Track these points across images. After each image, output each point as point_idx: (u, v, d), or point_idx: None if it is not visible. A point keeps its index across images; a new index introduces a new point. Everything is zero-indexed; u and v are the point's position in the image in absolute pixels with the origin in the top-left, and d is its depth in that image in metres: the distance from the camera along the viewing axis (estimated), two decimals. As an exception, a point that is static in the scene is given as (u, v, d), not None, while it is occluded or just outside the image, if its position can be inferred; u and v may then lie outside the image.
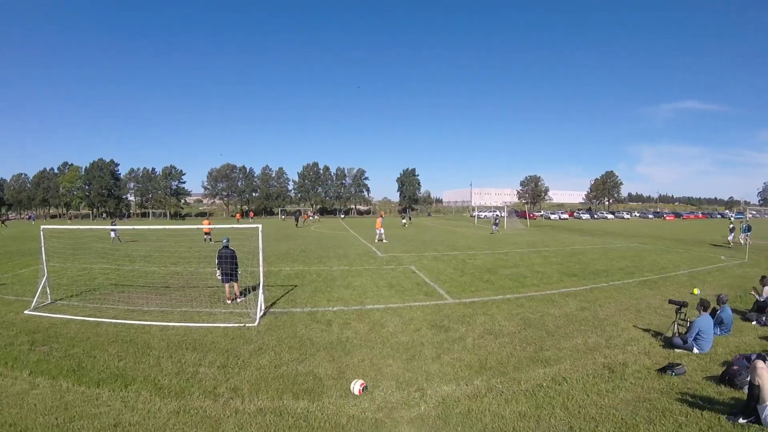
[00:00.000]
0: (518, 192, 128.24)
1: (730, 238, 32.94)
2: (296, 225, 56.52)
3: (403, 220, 62.21)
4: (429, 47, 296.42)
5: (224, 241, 14.43)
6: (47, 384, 7.84)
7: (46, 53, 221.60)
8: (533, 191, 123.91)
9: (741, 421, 6.20)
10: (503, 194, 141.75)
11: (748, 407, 6.27)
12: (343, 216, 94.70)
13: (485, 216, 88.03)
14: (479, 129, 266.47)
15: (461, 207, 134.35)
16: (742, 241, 26.04)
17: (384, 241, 32.79)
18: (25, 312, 12.98)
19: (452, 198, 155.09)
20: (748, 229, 29.85)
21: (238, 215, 72.82)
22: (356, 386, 7.18)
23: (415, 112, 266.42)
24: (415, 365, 8.42)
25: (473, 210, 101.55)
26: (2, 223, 67.09)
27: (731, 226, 34.24)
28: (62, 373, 8.37)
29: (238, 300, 13.93)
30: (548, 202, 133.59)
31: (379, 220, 36.84)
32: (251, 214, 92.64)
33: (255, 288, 13.52)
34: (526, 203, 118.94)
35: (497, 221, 42.51)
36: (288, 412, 6.56)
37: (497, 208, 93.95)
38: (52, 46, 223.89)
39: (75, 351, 9.65)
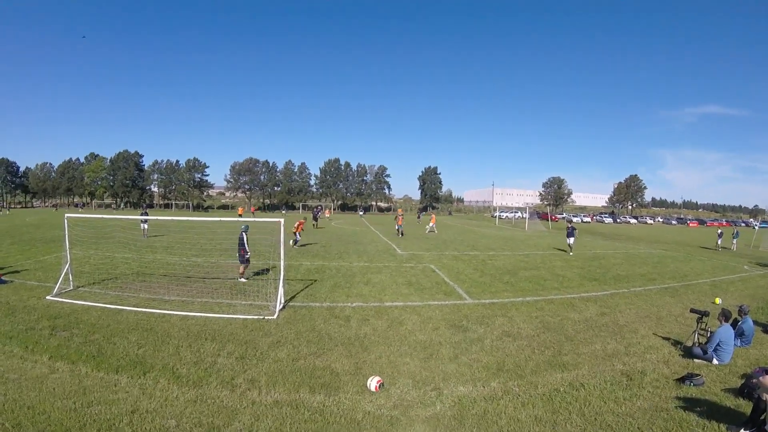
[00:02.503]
0: (540, 194, 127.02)
1: (719, 241, 37.04)
2: (314, 225, 45.23)
3: (419, 220, 60.77)
4: (456, 46, 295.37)
5: (242, 228, 16.14)
6: (66, 369, 7.98)
7: (77, 45, 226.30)
8: (556, 193, 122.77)
9: (742, 431, 6.11)
10: (525, 195, 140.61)
11: (752, 420, 6.16)
12: (362, 213, 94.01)
13: (506, 217, 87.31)
14: (503, 129, 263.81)
15: (482, 207, 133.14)
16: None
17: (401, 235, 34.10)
18: (47, 297, 13.21)
19: (474, 198, 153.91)
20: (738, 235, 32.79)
21: (240, 209, 72.46)
22: (373, 383, 7.17)
23: (439, 111, 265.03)
24: (432, 364, 8.39)
25: (494, 210, 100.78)
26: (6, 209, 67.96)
27: (719, 231, 38.83)
28: (82, 358, 8.51)
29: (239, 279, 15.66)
30: (570, 204, 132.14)
31: (400, 213, 41.83)
32: (252, 209, 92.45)
33: (275, 280, 13.57)
34: (548, 205, 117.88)
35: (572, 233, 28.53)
36: (304, 405, 6.58)
37: (519, 209, 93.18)
38: (84, 37, 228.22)
39: (95, 337, 9.81)
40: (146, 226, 30.42)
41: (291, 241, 26.19)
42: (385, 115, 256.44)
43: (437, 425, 6.22)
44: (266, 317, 11.29)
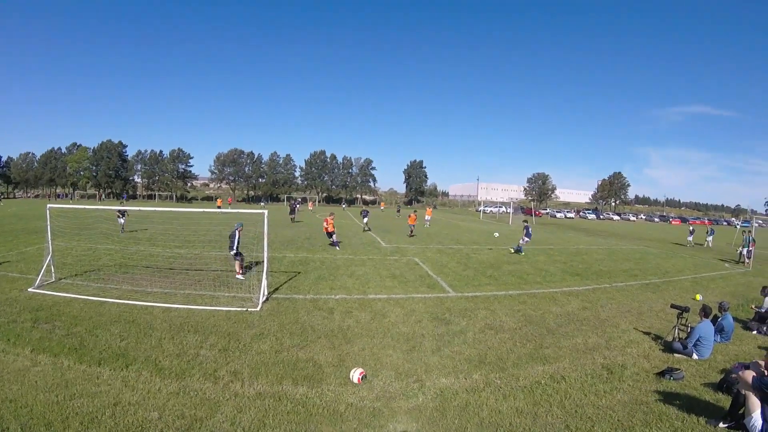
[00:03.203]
0: (525, 189, 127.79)
1: (689, 238, 38.53)
2: (291, 219, 41.74)
3: (398, 214, 60.93)
4: (441, 42, 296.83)
5: (237, 225, 15.82)
6: (49, 361, 7.94)
7: (61, 35, 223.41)
8: (540, 189, 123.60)
9: (721, 425, 6.24)
10: (510, 190, 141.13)
11: (731, 414, 6.29)
12: (345, 206, 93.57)
13: (491, 211, 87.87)
14: (488, 124, 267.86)
15: (467, 201, 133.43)
16: (745, 254, 26.02)
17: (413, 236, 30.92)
18: (29, 290, 13.07)
19: (458, 192, 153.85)
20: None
21: (218, 201, 72.09)
22: (356, 375, 7.22)
23: (426, 105, 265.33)
24: (414, 356, 8.46)
25: (479, 205, 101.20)
26: None
27: (691, 228, 40.94)
28: (64, 351, 8.47)
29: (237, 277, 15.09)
30: (555, 200, 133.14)
31: (429, 209, 43.94)
32: (229, 200, 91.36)
33: (258, 273, 13.57)
34: (533, 200, 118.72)
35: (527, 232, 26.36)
36: (287, 397, 6.62)
37: (503, 203, 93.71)
38: (68, 28, 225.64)
39: (77, 330, 9.77)
40: (123, 221, 28.04)
41: (330, 243, 23.75)
42: (371, 108, 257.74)
43: (419, 417, 6.28)
44: (249, 309, 11.31)
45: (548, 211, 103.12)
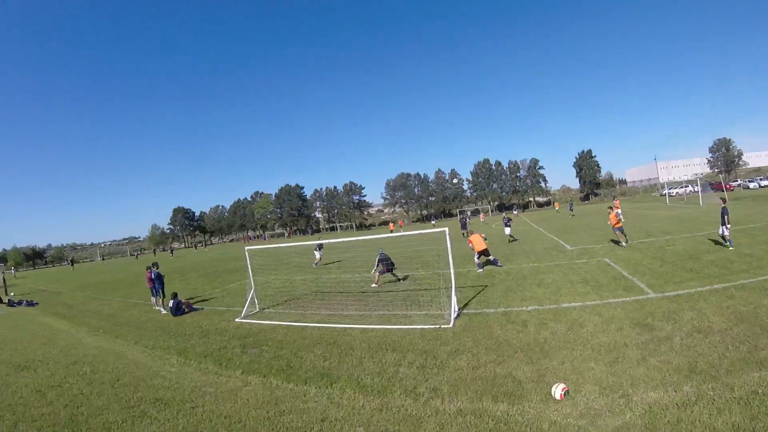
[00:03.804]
0: (708, 161, 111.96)
1: None
2: (463, 234, 38.94)
3: (572, 213, 56.96)
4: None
5: (380, 250, 19.85)
6: (258, 381, 8.91)
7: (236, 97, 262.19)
8: (725, 157, 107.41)
9: None
10: (692, 165, 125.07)
11: None
12: (516, 212, 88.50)
13: (677, 193, 79.11)
14: (659, 94, 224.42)
15: (647, 186, 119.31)
16: None
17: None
18: (236, 320, 15.01)
19: (636, 176, 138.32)
20: None
21: (391, 225, 74.11)
22: (557, 390, 6.91)
23: (590, 88, 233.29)
24: (618, 368, 7.85)
25: (662, 188, 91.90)
26: (197, 247, 77.71)
27: None
28: (272, 372, 9.46)
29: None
30: (743, 168, 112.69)
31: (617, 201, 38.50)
32: (400, 223, 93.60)
33: (447, 289, 13.66)
34: (719, 172, 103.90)
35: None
36: (488, 414, 6.54)
37: (689, 182, 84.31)
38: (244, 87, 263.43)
39: (283, 352, 10.85)
40: (320, 254, 29.22)
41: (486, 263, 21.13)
42: (530, 104, 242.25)
43: (628, 435, 5.85)
44: (442, 326, 11.51)
45: (739, 182, 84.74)
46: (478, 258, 20.34)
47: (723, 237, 18.46)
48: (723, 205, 19.12)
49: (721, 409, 6.18)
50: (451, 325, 11.59)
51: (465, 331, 11.06)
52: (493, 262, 20.51)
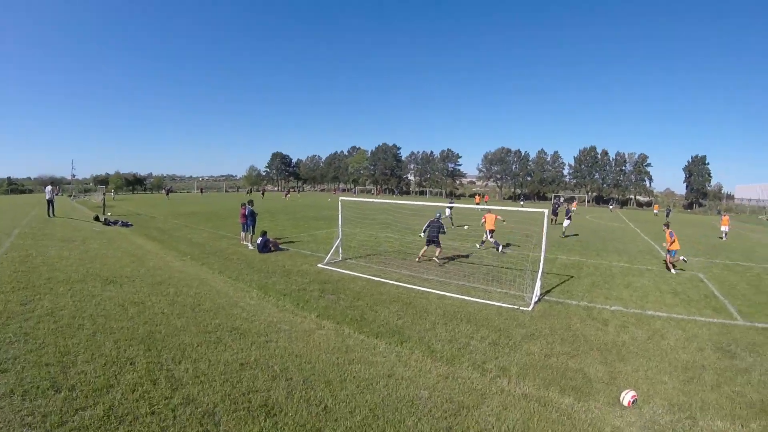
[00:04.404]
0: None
1: None
2: (553, 220, 33.95)
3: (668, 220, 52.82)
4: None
5: (437, 214, 17.63)
6: (332, 327, 9.22)
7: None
8: None
9: None
10: None
11: None
12: (612, 207, 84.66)
13: None
14: None
15: (757, 207, 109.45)
16: None
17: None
18: (319, 265, 15.59)
19: (746, 194, 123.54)
20: None
21: (476, 198, 71.09)
22: (627, 397, 6.69)
23: (709, 89, 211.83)
24: (691, 389, 7.46)
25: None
26: (286, 195, 79.27)
27: None
28: (346, 320, 9.79)
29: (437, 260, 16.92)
30: None
31: (725, 218, 34.70)
32: (486, 197, 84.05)
33: (534, 273, 13.42)
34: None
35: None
36: (552, 404, 6.45)
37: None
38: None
39: (359, 303, 11.18)
40: (449, 213, 30.77)
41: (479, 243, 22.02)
42: (648, 95, 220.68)
43: (685, 458, 5.52)
44: (521, 308, 11.40)
45: None
46: (491, 236, 20.81)
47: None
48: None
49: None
50: (530, 308, 11.44)
51: (543, 317, 10.89)
52: (495, 245, 20.63)
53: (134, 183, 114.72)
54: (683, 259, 18.57)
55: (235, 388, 6.07)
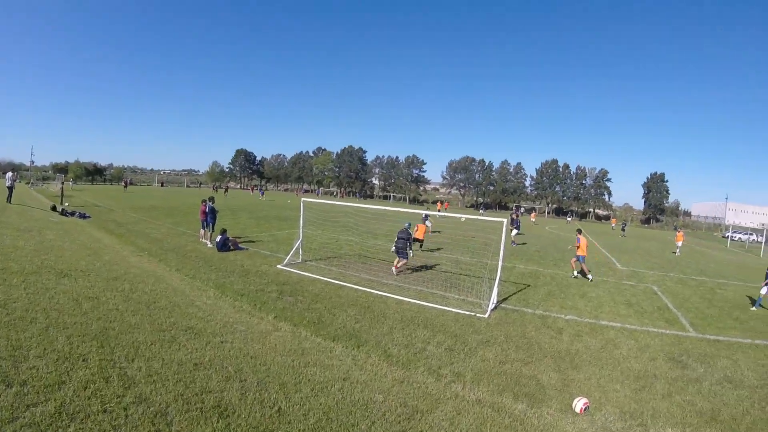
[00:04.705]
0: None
1: None
2: (510, 230, 33.38)
3: (623, 233, 55.16)
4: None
5: (406, 224, 16.59)
6: (289, 329, 9.17)
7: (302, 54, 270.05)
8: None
9: None
10: (764, 214, 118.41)
11: None
12: (570, 219, 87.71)
13: (739, 238, 75.41)
14: (743, 130, 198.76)
15: (712, 224, 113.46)
16: None
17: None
18: (278, 266, 15.49)
19: (702, 212, 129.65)
20: None
21: (438, 205, 70.07)
22: (579, 404, 6.84)
23: (667, 110, 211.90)
24: (643, 397, 7.71)
25: (726, 230, 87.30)
26: (262, 194, 78.21)
27: None
28: (303, 322, 9.75)
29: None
30: None
31: (680, 233, 35.71)
32: (446, 204, 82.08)
33: (491, 280, 13.58)
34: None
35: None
36: (506, 410, 6.54)
37: (754, 230, 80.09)
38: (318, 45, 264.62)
39: (317, 306, 11.16)
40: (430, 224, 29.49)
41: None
42: (608, 114, 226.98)
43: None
44: (478, 315, 11.54)
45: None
46: (420, 246, 21.53)
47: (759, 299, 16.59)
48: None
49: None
50: (486, 315, 11.58)
51: (499, 324, 11.06)
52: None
53: (94, 173, 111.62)
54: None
55: (188, 388, 5.97)
